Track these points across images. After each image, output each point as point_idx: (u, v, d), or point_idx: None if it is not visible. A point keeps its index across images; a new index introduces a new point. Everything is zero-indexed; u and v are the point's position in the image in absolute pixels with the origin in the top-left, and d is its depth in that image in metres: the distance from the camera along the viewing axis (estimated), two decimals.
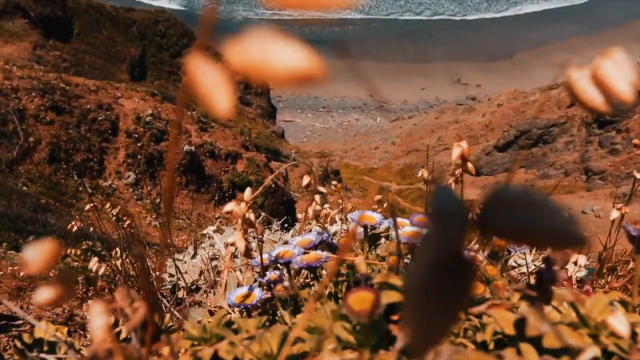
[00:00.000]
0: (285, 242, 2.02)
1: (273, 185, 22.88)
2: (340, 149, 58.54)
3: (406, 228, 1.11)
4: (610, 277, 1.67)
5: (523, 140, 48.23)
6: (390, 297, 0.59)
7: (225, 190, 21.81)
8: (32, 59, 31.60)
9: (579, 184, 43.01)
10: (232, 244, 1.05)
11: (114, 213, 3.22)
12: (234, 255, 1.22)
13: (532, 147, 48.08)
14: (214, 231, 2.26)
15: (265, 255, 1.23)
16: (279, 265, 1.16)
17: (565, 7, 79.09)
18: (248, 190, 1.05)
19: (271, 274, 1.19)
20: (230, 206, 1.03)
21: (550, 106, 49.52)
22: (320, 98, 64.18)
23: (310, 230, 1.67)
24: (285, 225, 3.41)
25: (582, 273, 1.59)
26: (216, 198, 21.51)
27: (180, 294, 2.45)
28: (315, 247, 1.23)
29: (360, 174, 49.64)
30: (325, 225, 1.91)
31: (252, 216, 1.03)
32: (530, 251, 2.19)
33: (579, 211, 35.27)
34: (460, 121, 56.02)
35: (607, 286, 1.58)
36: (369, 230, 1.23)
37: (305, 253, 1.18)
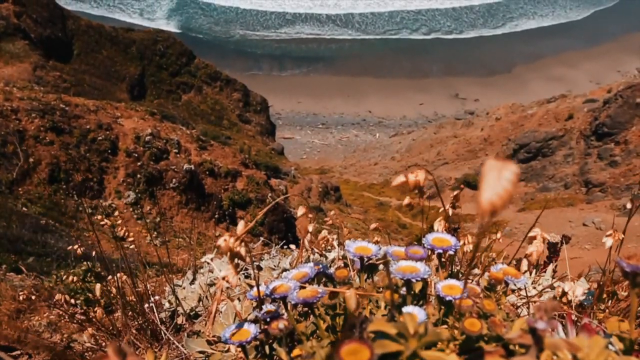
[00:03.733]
0: (284, 270, 2.01)
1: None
2: (339, 165, 58.59)
3: (401, 262, 1.11)
4: (610, 301, 1.66)
5: (522, 154, 48.33)
6: (384, 346, 0.59)
7: (225, 208, 21.79)
8: (33, 80, 31.76)
9: (579, 196, 42.99)
10: (224, 278, 1.04)
11: (118, 232, 3.19)
12: (227, 288, 1.21)
13: (531, 160, 48.16)
14: (212, 258, 2.25)
15: (262, 287, 1.22)
16: (275, 298, 1.15)
17: (560, 24, 79.66)
18: (241, 224, 1.04)
19: (267, 307, 1.18)
20: (221, 242, 1.02)
21: (549, 119, 49.72)
22: (319, 115, 64.40)
23: (308, 258, 1.66)
24: (285, 247, 3.39)
25: (582, 297, 1.58)
26: (216, 216, 21.47)
27: (179, 320, 2.44)
28: (311, 280, 1.22)
29: (360, 190, 49.63)
30: (323, 251, 1.90)
31: (242, 250, 1.02)
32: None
33: (580, 223, 35.22)
34: (459, 136, 56.17)
35: (607, 311, 1.57)
36: (365, 261, 1.23)
37: (302, 286, 1.17)
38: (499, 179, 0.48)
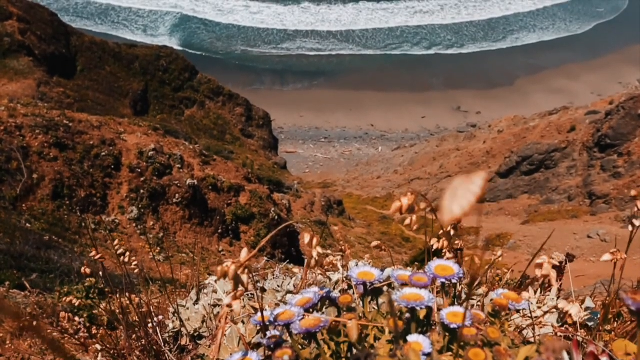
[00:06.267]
0: (288, 292, 2.01)
1: (276, 217, 22.86)
2: (342, 179, 58.60)
3: (405, 290, 1.11)
4: (615, 322, 1.65)
5: (525, 166, 48.28)
6: None
7: (228, 223, 21.77)
8: (37, 96, 31.99)
9: (583, 208, 42.87)
10: (228, 306, 1.04)
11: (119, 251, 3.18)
12: (231, 312, 1.21)
13: (534, 172, 48.10)
14: (216, 280, 2.25)
15: (266, 312, 1.22)
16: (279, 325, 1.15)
17: (562, 37, 79.89)
18: (245, 251, 1.04)
19: (272, 333, 1.17)
20: (224, 268, 1.02)
21: (551, 131, 49.76)
22: (321, 129, 64.53)
23: (312, 284, 1.66)
24: (288, 262, 3.39)
25: (587, 318, 1.57)
26: (219, 231, 21.45)
27: (183, 341, 2.43)
28: (314, 305, 1.22)
29: (363, 204, 49.58)
30: (327, 273, 1.90)
31: (244, 277, 1.02)
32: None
33: (585, 235, 35.08)
34: (462, 148, 56.21)
35: (613, 333, 1.56)
36: (368, 286, 1.22)
37: (306, 311, 1.17)
38: (465, 192, 0.49)
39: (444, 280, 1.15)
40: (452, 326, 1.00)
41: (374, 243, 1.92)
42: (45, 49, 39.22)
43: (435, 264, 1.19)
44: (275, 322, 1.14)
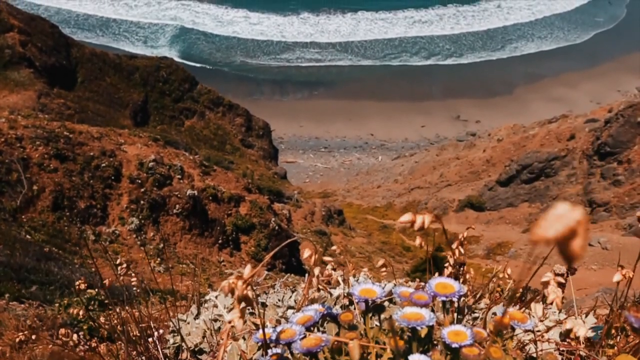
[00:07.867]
0: (289, 307, 2.00)
1: (276, 227, 22.83)
2: (342, 189, 58.58)
3: (406, 309, 1.10)
4: (619, 337, 1.64)
5: (525, 175, 48.31)
6: None
7: (228, 233, 21.74)
8: (37, 108, 32.06)
9: None
10: (230, 322, 1.04)
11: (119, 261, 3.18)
12: (232, 331, 1.21)
13: (534, 180, 48.12)
14: (217, 296, 2.24)
15: (267, 329, 1.21)
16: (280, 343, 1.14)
17: (560, 47, 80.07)
18: (248, 267, 1.04)
19: (273, 351, 1.17)
20: (227, 284, 1.02)
21: (550, 139, 49.83)
22: (321, 138, 64.56)
23: (313, 300, 1.65)
24: (290, 274, 3.37)
25: (590, 333, 1.56)
26: (220, 242, 21.42)
27: (184, 355, 2.41)
28: (315, 323, 1.21)
29: (364, 213, 49.53)
30: (328, 288, 1.89)
31: (250, 294, 1.02)
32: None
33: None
34: (462, 157, 56.26)
35: (616, 347, 1.55)
36: (370, 303, 1.22)
37: (307, 329, 1.17)
38: (563, 217, 0.50)
39: (444, 298, 1.15)
40: (453, 345, 0.99)
41: (380, 262, 1.92)
42: (45, 60, 39.39)
43: (435, 282, 1.19)
44: (277, 341, 1.14)
